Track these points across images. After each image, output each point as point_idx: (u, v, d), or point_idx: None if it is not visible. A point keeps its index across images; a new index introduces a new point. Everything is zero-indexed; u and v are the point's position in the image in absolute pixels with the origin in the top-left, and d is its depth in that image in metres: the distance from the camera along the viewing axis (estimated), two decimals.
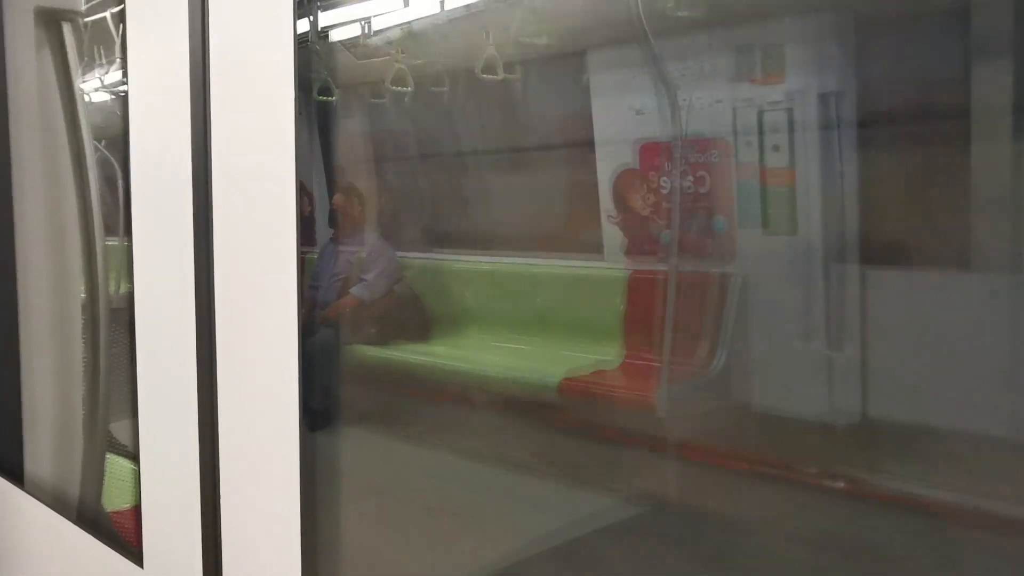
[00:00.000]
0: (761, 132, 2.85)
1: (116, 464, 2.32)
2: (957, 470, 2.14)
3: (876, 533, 2.11)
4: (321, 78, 3.24)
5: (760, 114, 2.84)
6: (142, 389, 1.80)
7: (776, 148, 2.83)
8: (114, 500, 2.25)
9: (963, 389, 2.20)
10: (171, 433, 1.70)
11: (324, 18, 3.36)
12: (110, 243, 2.34)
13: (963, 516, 2.04)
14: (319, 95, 3.26)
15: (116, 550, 1.91)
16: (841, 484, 2.31)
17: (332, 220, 3.80)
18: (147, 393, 1.79)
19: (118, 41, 2.71)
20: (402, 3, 3.28)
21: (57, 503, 2.25)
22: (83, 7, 2.41)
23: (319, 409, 2.03)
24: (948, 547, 1.98)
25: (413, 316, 3.97)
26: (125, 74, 1.73)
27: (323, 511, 1.51)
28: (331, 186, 3.74)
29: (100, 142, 2.40)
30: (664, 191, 3.25)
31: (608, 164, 3.49)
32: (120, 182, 2.37)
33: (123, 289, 2.24)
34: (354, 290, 3.76)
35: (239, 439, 1.55)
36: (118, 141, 2.09)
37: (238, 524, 1.57)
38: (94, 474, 2.31)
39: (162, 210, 1.69)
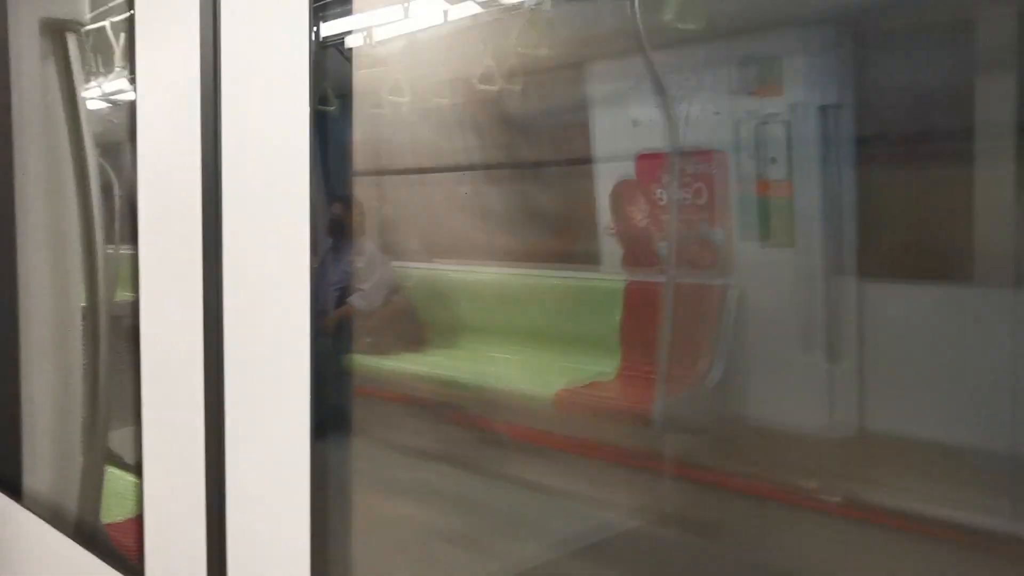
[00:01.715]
0: (759, 144, 2.85)
1: (113, 476, 2.29)
2: (955, 485, 2.14)
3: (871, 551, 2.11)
4: (320, 87, 3.22)
5: (758, 126, 2.85)
6: (147, 403, 1.77)
7: (774, 160, 2.83)
8: (111, 512, 2.22)
9: (959, 401, 2.21)
10: (176, 447, 1.68)
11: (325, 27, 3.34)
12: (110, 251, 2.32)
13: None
14: (319, 104, 3.24)
15: (116, 567, 1.88)
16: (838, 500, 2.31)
17: (331, 229, 3.78)
18: (152, 407, 1.77)
19: (117, 51, 2.71)
20: (403, 14, 3.27)
21: (55, 518, 2.21)
22: (88, 18, 2.40)
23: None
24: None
25: (410, 326, 3.96)
26: (133, 83, 1.71)
27: (334, 526, 1.49)
28: (330, 196, 3.71)
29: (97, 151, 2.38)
30: (662, 202, 3.25)
31: (606, 175, 3.49)
32: (116, 191, 2.36)
33: (120, 297, 2.22)
34: (351, 300, 3.74)
35: (247, 453, 1.53)
36: (120, 151, 2.07)
37: (245, 540, 1.54)
38: (93, 487, 2.28)
39: (170, 221, 1.67)
